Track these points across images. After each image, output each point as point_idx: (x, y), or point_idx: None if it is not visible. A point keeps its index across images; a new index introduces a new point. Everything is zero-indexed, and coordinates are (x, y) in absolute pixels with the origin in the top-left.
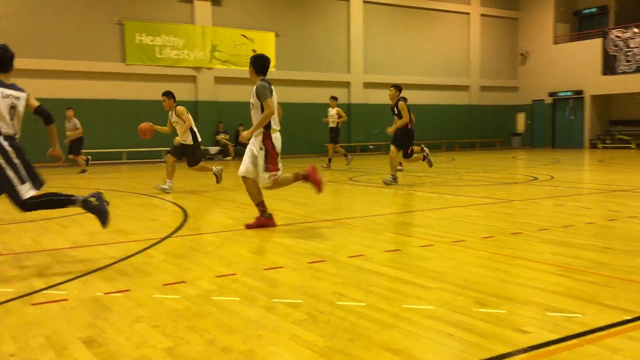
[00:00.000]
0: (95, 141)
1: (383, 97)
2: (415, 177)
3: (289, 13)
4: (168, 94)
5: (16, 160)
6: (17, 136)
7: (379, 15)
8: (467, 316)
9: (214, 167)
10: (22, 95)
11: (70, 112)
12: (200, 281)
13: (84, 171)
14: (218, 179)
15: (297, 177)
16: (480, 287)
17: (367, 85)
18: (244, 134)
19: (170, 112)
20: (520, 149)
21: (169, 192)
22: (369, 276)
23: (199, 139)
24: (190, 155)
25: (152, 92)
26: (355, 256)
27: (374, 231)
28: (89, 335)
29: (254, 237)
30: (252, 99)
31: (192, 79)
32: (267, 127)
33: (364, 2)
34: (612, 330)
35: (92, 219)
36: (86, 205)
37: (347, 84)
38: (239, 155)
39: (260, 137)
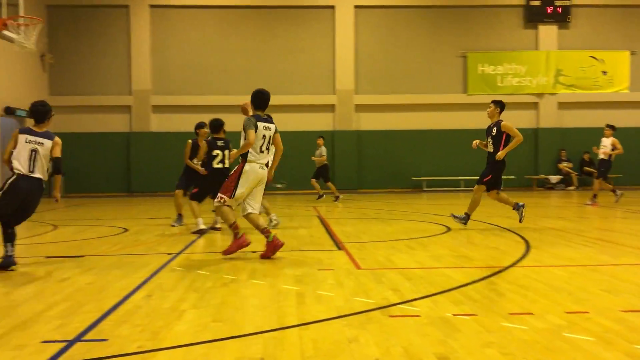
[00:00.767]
0: (434, 169)
1: None
2: None
3: None
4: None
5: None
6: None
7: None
8: None
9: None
10: (48, 142)
11: (320, 141)
12: (548, 315)
13: (337, 197)
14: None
15: (234, 228)
16: None
17: None
18: (232, 153)
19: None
20: None
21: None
22: None
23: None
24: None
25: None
26: None
27: None
28: (442, 353)
29: (604, 273)
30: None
31: (534, 105)
32: (244, 156)
33: None
34: None
35: (437, 243)
36: None
37: None
38: (584, 184)
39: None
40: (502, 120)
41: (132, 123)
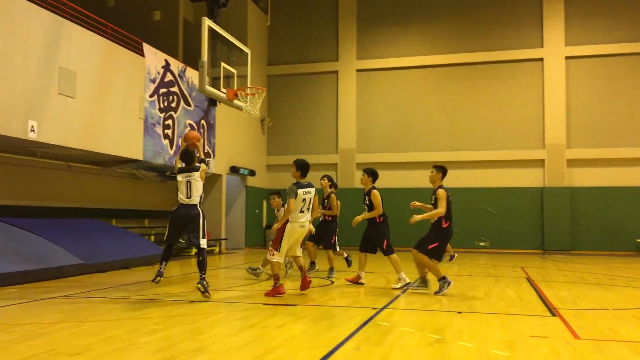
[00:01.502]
0: None
1: None
2: None
3: None
4: None
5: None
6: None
7: None
8: None
9: None
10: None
11: None
12: None
13: (452, 257)
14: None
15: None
16: None
17: None
18: (273, 226)
19: None
20: None
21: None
22: None
23: None
24: None
25: None
26: None
27: None
28: None
29: None
30: None
31: None
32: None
33: None
34: None
35: None
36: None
37: None
38: None
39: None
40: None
41: (338, 180)
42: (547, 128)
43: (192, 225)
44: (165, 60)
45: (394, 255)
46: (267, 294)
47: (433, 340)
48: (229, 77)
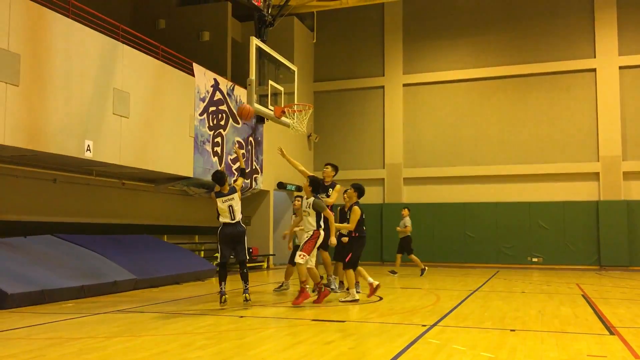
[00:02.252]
0: None
1: None
2: None
3: None
4: None
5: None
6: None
7: None
8: None
9: None
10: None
11: (405, 212)
12: None
13: (423, 271)
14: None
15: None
16: None
17: None
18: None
19: None
20: None
21: None
22: None
23: None
24: None
25: None
26: None
27: None
28: None
29: None
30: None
31: None
32: (318, 225)
33: None
34: None
35: None
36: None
37: None
38: None
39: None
40: None
41: (385, 195)
42: (601, 140)
43: (240, 241)
44: (215, 79)
45: (351, 271)
46: (295, 303)
47: (486, 359)
48: (276, 94)
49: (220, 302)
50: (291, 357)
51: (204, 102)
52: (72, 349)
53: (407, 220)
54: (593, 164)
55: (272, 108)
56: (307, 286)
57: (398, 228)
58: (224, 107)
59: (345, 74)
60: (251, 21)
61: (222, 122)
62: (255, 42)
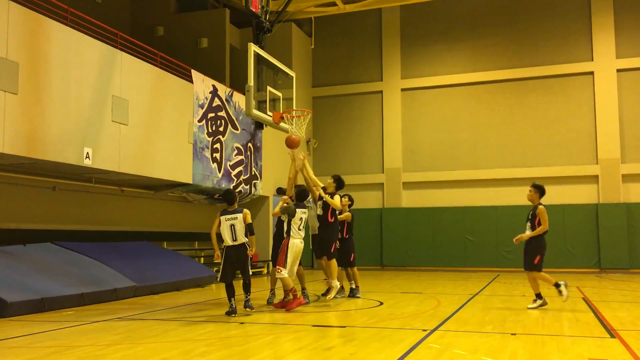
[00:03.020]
0: None
1: None
2: None
3: None
4: None
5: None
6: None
7: None
8: None
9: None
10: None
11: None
12: None
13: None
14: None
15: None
16: None
17: None
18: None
19: None
20: None
21: None
22: None
23: None
24: None
25: None
26: None
27: None
28: None
29: None
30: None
31: None
32: (288, 234)
33: None
34: None
35: None
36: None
37: None
38: None
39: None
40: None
41: (384, 199)
42: (599, 143)
43: (242, 264)
44: (213, 86)
45: (334, 262)
46: (288, 309)
47: None
48: (274, 100)
49: (228, 315)
50: None
51: (202, 108)
52: (73, 357)
53: None
54: (592, 167)
55: (270, 114)
56: (295, 293)
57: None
58: (222, 114)
59: (344, 79)
60: (249, 27)
61: (221, 129)
62: (253, 48)
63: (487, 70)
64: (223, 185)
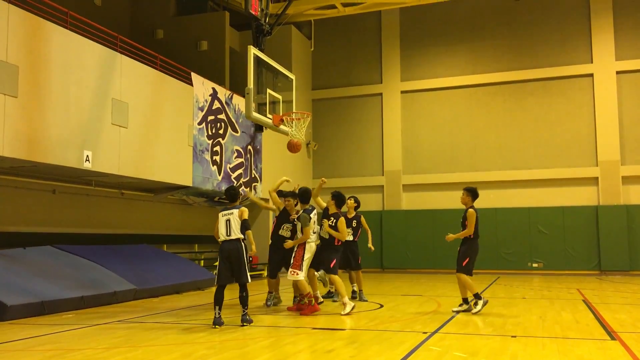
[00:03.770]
0: None
1: None
2: None
3: None
4: None
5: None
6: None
7: None
8: None
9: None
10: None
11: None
12: None
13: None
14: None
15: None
16: None
17: None
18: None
19: None
20: None
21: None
22: None
23: None
24: None
25: None
26: None
27: None
28: None
29: None
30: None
31: None
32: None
33: None
34: None
35: None
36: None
37: None
38: None
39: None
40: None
41: (384, 202)
42: (599, 145)
43: (239, 259)
44: (213, 89)
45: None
46: (303, 313)
47: None
48: (274, 102)
49: (214, 326)
50: None
51: (202, 111)
52: None
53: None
54: (592, 169)
55: (270, 116)
56: (311, 298)
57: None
58: (222, 116)
59: (343, 81)
60: (249, 30)
61: (221, 131)
62: (253, 51)
63: (486, 73)
64: (223, 188)
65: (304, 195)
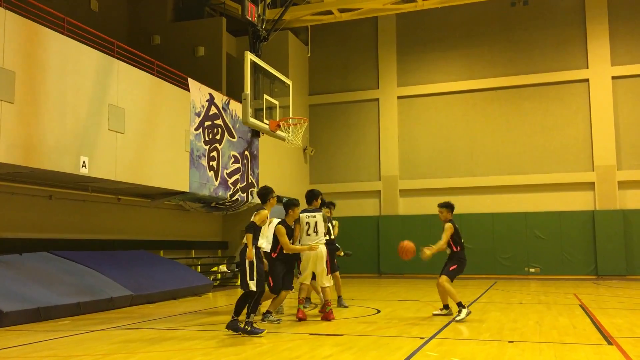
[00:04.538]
0: None
1: None
2: None
3: None
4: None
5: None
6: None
7: None
8: None
9: None
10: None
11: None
12: None
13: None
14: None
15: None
16: None
17: None
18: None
19: None
20: None
21: None
22: None
23: None
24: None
25: None
26: None
27: None
28: None
29: None
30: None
31: None
32: None
33: None
34: None
35: None
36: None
37: None
38: None
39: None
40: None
41: (382, 207)
42: (595, 150)
43: (242, 266)
44: (210, 94)
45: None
46: (328, 318)
47: None
48: (271, 108)
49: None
50: None
51: (199, 116)
52: None
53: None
54: (588, 174)
55: (267, 122)
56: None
57: None
58: (219, 122)
59: (340, 87)
60: (245, 36)
61: (218, 137)
62: (249, 56)
63: (483, 78)
64: (220, 194)
65: (307, 196)
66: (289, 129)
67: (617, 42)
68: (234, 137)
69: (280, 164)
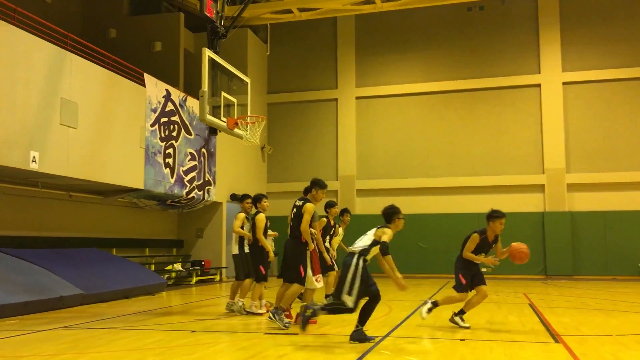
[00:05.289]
0: None
1: None
2: None
3: None
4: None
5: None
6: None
7: None
8: None
9: None
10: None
11: None
12: None
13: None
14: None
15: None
16: None
17: None
18: None
19: None
20: None
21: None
22: None
23: None
24: None
25: None
26: None
27: None
28: None
29: None
30: None
31: None
32: None
33: None
34: None
35: None
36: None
37: None
38: None
39: None
40: None
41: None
42: (546, 153)
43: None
44: (166, 90)
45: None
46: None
47: None
48: (229, 106)
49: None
50: None
51: (155, 112)
52: None
53: None
54: (538, 176)
55: (225, 119)
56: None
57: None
58: (176, 118)
59: (299, 86)
60: (204, 32)
61: (174, 134)
62: (207, 53)
63: (439, 81)
64: (175, 192)
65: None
66: (247, 127)
67: (569, 49)
68: (190, 135)
69: (238, 162)
